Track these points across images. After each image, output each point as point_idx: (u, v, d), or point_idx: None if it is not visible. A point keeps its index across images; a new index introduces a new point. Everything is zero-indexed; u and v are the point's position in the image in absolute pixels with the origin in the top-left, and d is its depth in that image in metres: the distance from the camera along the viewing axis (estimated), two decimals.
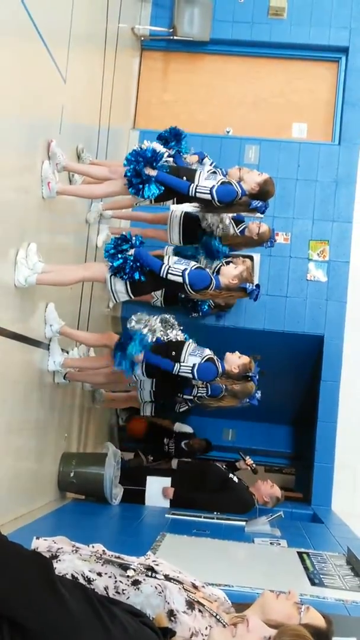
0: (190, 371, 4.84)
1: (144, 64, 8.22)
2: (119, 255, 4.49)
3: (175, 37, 7.95)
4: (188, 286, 4.56)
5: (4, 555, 1.50)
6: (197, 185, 4.82)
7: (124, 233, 4.66)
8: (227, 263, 5.68)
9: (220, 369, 4.91)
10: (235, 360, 4.97)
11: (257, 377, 5.09)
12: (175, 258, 4.76)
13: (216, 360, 4.97)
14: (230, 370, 4.93)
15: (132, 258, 4.45)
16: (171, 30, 7.93)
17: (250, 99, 8.04)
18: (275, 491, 6.02)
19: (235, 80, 8.13)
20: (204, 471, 6.26)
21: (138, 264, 4.47)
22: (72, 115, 5.09)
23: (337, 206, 7.68)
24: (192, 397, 5.53)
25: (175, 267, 4.58)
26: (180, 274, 4.56)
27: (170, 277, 4.55)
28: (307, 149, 7.76)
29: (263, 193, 5.11)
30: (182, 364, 4.88)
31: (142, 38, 8.04)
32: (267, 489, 6.01)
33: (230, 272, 4.79)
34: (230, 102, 8.09)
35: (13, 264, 4.05)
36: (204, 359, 4.93)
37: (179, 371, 4.84)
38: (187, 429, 7.82)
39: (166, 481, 6.03)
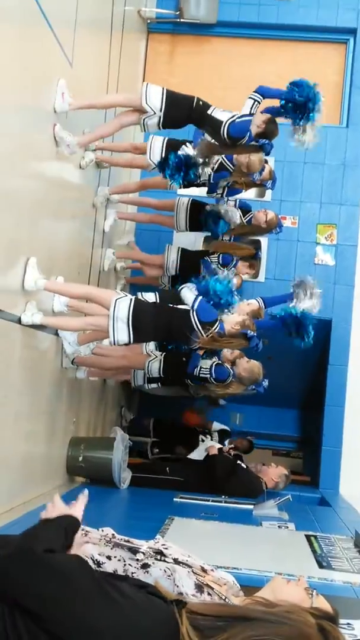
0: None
1: (150, 47, 8.17)
2: None
3: (181, 20, 7.90)
4: (195, 312, 4.48)
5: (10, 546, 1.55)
6: (212, 111, 4.96)
7: None
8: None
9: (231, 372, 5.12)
10: (243, 364, 5.06)
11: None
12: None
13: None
14: (238, 374, 5.01)
15: None
16: (178, 12, 7.88)
17: (257, 81, 7.95)
18: (280, 469, 6.10)
19: (243, 63, 8.08)
20: (212, 464, 6.28)
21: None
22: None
23: (345, 189, 7.64)
24: (194, 375, 5.52)
25: (193, 289, 4.61)
26: (194, 297, 4.53)
27: (184, 292, 4.55)
28: None
29: (269, 132, 5.13)
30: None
31: (149, 21, 7.99)
32: (274, 469, 6.09)
33: (233, 319, 4.76)
34: (238, 85, 8.02)
35: (22, 259, 4.05)
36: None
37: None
38: (225, 427, 7.84)
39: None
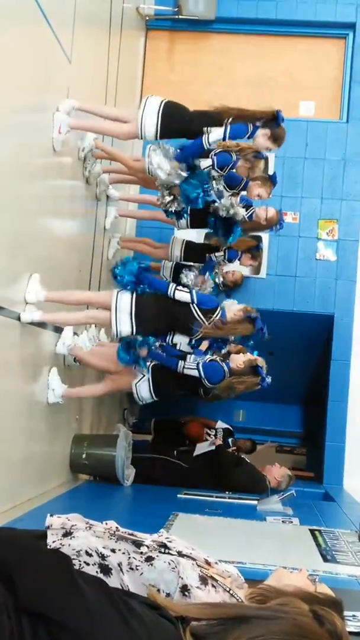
0: (195, 368, 4.72)
1: (149, 44, 8.16)
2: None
3: (180, 16, 7.89)
4: (195, 304, 4.55)
5: (26, 553, 1.56)
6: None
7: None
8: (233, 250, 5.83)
9: (226, 369, 4.81)
10: (239, 358, 4.93)
11: (265, 372, 5.04)
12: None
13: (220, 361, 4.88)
14: (235, 368, 4.87)
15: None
16: (176, 9, 7.87)
17: (256, 77, 7.98)
18: (284, 470, 6.08)
19: (242, 59, 8.07)
20: (220, 452, 6.29)
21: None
22: (78, 97, 5.06)
23: (345, 184, 7.63)
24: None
25: (183, 288, 4.65)
26: (188, 291, 4.61)
27: (177, 294, 4.57)
28: (314, 128, 7.71)
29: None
30: (186, 362, 4.77)
31: (147, 18, 7.98)
32: (277, 469, 6.07)
33: (235, 307, 4.84)
34: (237, 81, 8.03)
35: (22, 256, 4.05)
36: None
37: (183, 368, 4.74)
38: (228, 426, 7.83)
39: None
